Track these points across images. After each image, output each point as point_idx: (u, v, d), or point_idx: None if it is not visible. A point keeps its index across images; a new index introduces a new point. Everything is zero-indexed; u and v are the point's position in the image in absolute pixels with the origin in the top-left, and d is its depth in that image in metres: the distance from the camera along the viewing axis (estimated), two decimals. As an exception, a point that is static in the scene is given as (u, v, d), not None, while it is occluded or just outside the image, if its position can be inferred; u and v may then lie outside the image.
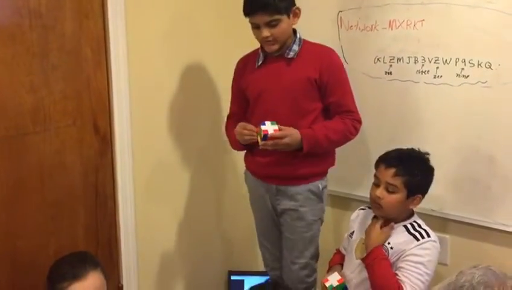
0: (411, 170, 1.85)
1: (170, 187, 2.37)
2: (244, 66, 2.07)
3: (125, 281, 2.22)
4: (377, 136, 2.34)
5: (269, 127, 1.86)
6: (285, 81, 1.96)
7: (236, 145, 2.09)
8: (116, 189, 2.14)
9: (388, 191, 1.85)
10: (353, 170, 2.40)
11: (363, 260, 1.87)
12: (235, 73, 2.12)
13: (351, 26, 2.36)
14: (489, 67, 2.06)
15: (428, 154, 1.94)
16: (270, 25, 1.87)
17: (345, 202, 2.48)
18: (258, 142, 1.90)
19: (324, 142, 1.95)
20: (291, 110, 1.96)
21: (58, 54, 1.90)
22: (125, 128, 2.12)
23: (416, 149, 1.95)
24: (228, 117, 2.19)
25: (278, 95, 1.96)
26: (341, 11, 2.38)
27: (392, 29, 2.25)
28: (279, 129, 1.87)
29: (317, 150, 1.96)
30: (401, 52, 2.24)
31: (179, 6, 2.27)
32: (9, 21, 1.75)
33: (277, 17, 1.86)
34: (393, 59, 2.28)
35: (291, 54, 1.96)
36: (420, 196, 1.87)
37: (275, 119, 1.91)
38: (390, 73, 2.30)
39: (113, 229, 2.17)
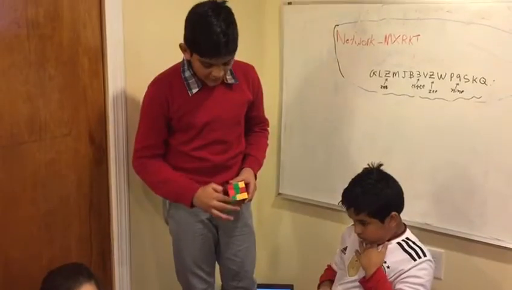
0: (368, 201, 1.83)
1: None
2: (170, 93, 1.88)
3: (118, 293, 2.20)
4: (372, 149, 2.35)
5: (239, 185, 1.91)
6: (233, 108, 1.97)
7: (171, 188, 1.94)
8: (111, 200, 2.13)
9: (363, 225, 1.86)
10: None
11: (364, 281, 1.85)
12: (156, 101, 1.89)
13: (347, 39, 2.38)
14: (484, 82, 2.08)
15: (381, 165, 1.92)
16: (225, 64, 1.81)
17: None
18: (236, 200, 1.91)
19: (263, 162, 2.13)
20: (237, 133, 2.02)
21: (55, 63, 1.90)
22: (121, 139, 2.12)
23: (369, 166, 1.93)
24: (141, 152, 1.94)
25: (227, 123, 1.96)
26: (337, 25, 2.40)
27: (387, 43, 2.28)
28: (243, 180, 1.94)
29: None
30: (397, 67, 2.27)
31: (178, 15, 2.26)
32: (6, 31, 1.75)
33: (233, 55, 1.82)
34: (388, 73, 2.30)
35: (231, 80, 1.93)
36: (394, 213, 1.85)
37: (223, 144, 1.96)
38: (386, 87, 2.31)
39: (106, 240, 2.16)
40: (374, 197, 1.83)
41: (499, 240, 2.13)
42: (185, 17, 2.16)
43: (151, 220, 2.31)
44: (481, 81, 2.09)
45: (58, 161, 1.96)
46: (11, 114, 1.80)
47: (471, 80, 2.10)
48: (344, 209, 1.91)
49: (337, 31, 2.41)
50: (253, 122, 2.15)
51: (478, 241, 2.17)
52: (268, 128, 2.24)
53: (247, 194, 1.92)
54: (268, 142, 2.24)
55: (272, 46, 2.65)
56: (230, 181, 1.94)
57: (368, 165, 1.94)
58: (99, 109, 2.06)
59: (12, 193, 1.84)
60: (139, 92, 2.16)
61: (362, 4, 2.31)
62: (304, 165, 2.62)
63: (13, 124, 1.81)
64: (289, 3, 2.54)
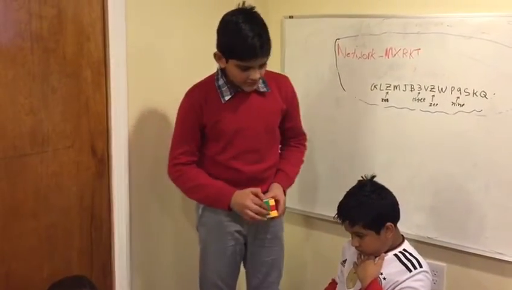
0: (362, 212, 1.84)
1: (166, 211, 2.36)
2: (205, 101, 1.93)
3: (118, 306, 2.19)
4: (373, 162, 2.36)
5: (270, 203, 1.92)
6: (265, 115, 1.99)
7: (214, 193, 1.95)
8: (112, 212, 2.13)
9: (360, 237, 1.86)
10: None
11: None
12: (191, 109, 1.94)
13: (348, 53, 2.40)
14: (485, 96, 2.09)
15: (374, 176, 1.93)
16: (261, 66, 1.86)
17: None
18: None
19: (295, 178, 2.13)
20: (269, 141, 2.03)
21: (59, 76, 1.91)
22: (123, 151, 2.12)
23: (363, 178, 1.94)
24: (177, 159, 1.97)
25: (259, 130, 1.98)
26: (339, 39, 2.42)
27: (388, 57, 2.29)
28: (273, 197, 1.94)
29: None
30: (398, 80, 2.28)
31: (181, 29, 2.30)
32: (11, 44, 1.77)
33: (268, 57, 1.87)
34: (389, 86, 2.31)
35: (263, 88, 1.97)
36: (390, 224, 1.85)
37: (255, 154, 1.97)
38: (387, 100, 2.32)
39: (108, 252, 2.15)
40: (368, 209, 1.84)
41: (500, 254, 2.12)
42: (187, 30, 2.20)
43: (153, 233, 2.31)
44: (481, 95, 2.10)
45: (60, 173, 1.96)
46: (14, 126, 1.81)
47: (471, 93, 2.12)
48: (340, 222, 1.91)
49: (338, 44, 2.43)
50: (289, 135, 2.13)
51: (479, 255, 2.17)
52: (306, 144, 2.20)
53: (277, 211, 1.93)
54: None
55: (273, 60, 2.62)
56: (266, 201, 1.93)
57: (362, 177, 1.95)
58: (102, 121, 2.07)
59: (14, 205, 1.85)
60: (142, 104, 2.18)
61: (363, 18, 2.33)
62: (305, 178, 2.61)
63: (16, 136, 1.82)
64: (290, 17, 2.57)
